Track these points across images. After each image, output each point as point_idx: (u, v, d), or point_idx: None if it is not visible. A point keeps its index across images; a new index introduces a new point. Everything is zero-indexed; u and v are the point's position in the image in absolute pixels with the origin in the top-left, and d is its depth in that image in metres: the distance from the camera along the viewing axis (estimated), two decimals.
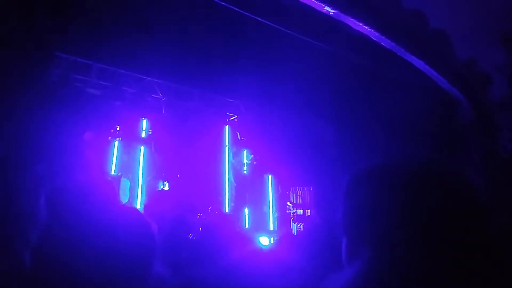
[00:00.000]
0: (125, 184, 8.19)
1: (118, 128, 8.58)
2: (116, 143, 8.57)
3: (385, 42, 7.48)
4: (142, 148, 8.99)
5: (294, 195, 11.17)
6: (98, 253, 1.04)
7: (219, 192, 9.93)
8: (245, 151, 10.78)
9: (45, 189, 1.13)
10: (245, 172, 10.68)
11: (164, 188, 8.78)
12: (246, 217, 10.15)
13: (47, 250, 1.04)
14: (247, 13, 6.41)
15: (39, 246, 1.05)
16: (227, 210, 9.68)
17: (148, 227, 1.19)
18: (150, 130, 9.15)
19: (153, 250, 1.17)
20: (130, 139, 8.83)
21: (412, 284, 0.73)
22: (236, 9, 6.24)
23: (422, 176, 0.80)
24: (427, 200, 0.76)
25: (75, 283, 1.02)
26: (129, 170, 8.61)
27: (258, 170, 10.75)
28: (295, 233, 9.89)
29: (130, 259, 1.09)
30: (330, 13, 6.76)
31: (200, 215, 8.20)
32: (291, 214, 10.87)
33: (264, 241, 7.42)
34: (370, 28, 7.19)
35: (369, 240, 0.81)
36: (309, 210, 10.81)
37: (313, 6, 6.52)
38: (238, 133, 10.61)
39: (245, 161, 10.76)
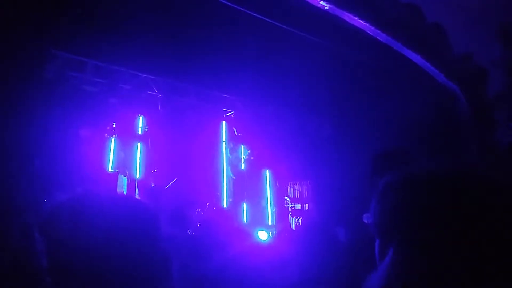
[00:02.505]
0: (122, 180, 8.18)
1: (114, 125, 8.55)
2: (113, 140, 8.55)
3: (381, 37, 7.48)
4: (139, 144, 8.98)
5: (292, 189, 11.19)
6: (108, 263, 1.05)
7: (217, 188, 9.93)
8: (242, 147, 10.79)
9: (35, 220, 1.13)
10: (243, 167, 10.69)
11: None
12: (244, 212, 10.17)
13: (61, 273, 1.05)
14: (242, 9, 6.39)
15: (52, 270, 1.06)
16: (225, 206, 9.69)
17: (147, 211, 1.20)
18: (147, 127, 9.13)
19: (157, 232, 1.18)
20: (127, 136, 8.81)
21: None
22: (231, 4, 6.23)
23: (457, 185, 0.84)
24: (460, 209, 0.81)
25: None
26: (126, 166, 8.59)
27: (256, 165, 10.77)
28: (293, 227, 9.91)
29: (139, 248, 1.10)
30: (325, 8, 6.76)
31: (198, 211, 8.20)
32: (289, 208, 10.89)
33: (263, 235, 7.42)
34: (366, 22, 7.18)
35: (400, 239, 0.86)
36: (307, 204, 10.84)
37: (308, 0, 6.51)
38: (235, 129, 10.60)
39: (243, 156, 10.76)
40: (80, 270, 1.02)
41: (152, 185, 8.73)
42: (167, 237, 1.19)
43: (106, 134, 8.42)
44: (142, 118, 9.14)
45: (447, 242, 0.79)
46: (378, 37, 7.45)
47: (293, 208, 10.87)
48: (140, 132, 9.08)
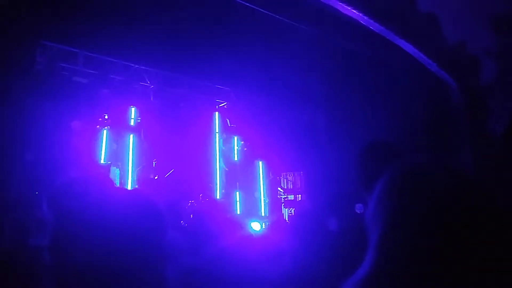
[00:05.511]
0: (114, 172, 8.14)
1: (106, 117, 8.49)
2: (105, 131, 8.49)
3: (374, 26, 7.45)
4: (131, 136, 8.93)
5: (285, 180, 11.21)
6: (112, 243, 1.04)
7: (210, 179, 9.93)
8: (235, 138, 10.77)
9: (45, 193, 1.12)
10: (236, 158, 10.69)
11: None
12: (237, 203, 10.19)
13: (62, 249, 1.04)
14: None
15: (54, 246, 1.05)
16: (218, 197, 9.69)
17: (155, 207, 1.19)
18: (139, 118, 9.08)
19: (164, 231, 1.17)
20: (119, 127, 8.75)
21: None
22: None
23: (456, 184, 0.84)
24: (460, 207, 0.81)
25: (98, 277, 1.02)
26: (119, 158, 8.55)
27: (249, 156, 10.76)
28: (286, 218, 9.95)
29: (143, 242, 1.09)
30: None
31: (191, 202, 8.20)
32: (282, 199, 10.92)
33: (256, 226, 7.45)
34: (359, 12, 7.15)
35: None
36: (300, 195, 10.87)
37: None
38: (228, 120, 10.58)
39: (236, 147, 10.75)
40: (80, 247, 1.02)
41: (156, 177, 8.70)
42: (169, 241, 1.17)
43: (98, 126, 8.36)
44: (135, 109, 9.08)
45: (435, 240, 0.79)
46: (371, 27, 7.43)
47: (286, 199, 10.90)
48: (132, 123, 9.02)
